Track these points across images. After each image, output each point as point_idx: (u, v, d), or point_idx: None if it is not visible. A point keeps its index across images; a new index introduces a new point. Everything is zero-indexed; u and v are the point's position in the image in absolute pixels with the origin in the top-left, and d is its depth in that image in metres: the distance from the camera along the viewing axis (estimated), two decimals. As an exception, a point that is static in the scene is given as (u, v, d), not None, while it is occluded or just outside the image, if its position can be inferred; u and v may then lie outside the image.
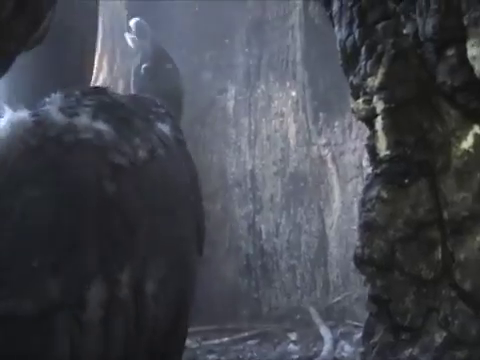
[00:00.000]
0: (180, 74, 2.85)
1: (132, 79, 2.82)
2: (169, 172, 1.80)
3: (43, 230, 1.56)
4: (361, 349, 1.80)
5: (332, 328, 4.36)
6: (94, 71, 3.81)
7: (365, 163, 4.55)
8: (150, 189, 1.71)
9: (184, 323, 1.86)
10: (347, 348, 3.92)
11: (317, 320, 4.52)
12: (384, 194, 1.71)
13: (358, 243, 1.76)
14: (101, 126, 1.70)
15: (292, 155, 5.16)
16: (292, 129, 5.18)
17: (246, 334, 4.47)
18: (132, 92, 2.76)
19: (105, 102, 1.84)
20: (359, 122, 1.79)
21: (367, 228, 1.74)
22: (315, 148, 5.07)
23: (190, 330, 4.47)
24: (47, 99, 1.79)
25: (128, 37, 2.82)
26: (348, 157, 4.88)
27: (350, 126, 4.89)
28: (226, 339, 4.35)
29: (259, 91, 5.30)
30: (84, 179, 1.61)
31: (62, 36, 2.45)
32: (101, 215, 1.61)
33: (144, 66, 2.76)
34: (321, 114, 5.04)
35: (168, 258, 1.71)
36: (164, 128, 1.89)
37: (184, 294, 1.81)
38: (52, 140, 1.64)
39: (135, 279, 1.62)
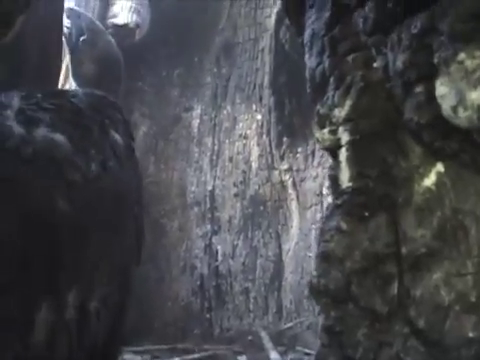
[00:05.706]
0: (116, 47, 2.91)
1: (70, 57, 2.87)
2: (118, 185, 1.80)
3: None
4: (311, 379, 1.78)
5: (282, 354, 4.34)
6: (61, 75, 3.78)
7: (325, 191, 4.57)
8: (100, 205, 1.71)
9: (120, 331, 1.87)
10: (296, 375, 3.91)
11: (268, 344, 4.50)
12: (343, 225, 1.70)
13: (314, 273, 1.75)
14: (58, 137, 1.67)
15: (253, 178, 5.16)
16: (255, 152, 5.18)
17: (196, 355, 4.43)
18: (70, 69, 2.82)
19: (65, 107, 1.81)
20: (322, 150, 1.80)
21: (324, 258, 1.73)
22: (277, 173, 5.08)
23: (140, 349, 4.45)
24: (3, 98, 1.76)
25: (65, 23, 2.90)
26: (309, 184, 4.89)
27: (313, 153, 4.91)
28: (176, 359, 4.31)
29: (225, 112, 5.31)
30: (38, 196, 1.59)
31: (24, 40, 2.43)
32: (52, 235, 1.59)
33: (82, 38, 2.78)
34: (285, 139, 5.06)
35: (111, 274, 1.72)
36: (117, 136, 1.89)
37: (122, 306, 1.84)
38: (11, 152, 1.61)
39: (81, 299, 1.62)
